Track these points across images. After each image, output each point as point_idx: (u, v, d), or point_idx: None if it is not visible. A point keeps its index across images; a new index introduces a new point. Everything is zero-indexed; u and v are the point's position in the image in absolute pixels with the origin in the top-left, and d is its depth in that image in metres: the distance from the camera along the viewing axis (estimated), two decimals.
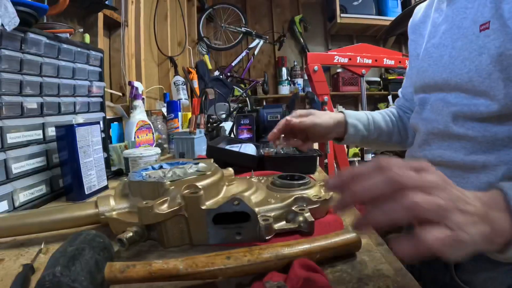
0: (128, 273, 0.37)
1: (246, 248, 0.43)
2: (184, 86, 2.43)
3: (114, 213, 0.55)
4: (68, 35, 0.89)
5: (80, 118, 0.83)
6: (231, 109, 1.79)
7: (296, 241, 0.46)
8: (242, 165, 0.94)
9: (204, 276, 0.39)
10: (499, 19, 0.43)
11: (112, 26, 1.70)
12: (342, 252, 0.47)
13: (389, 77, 3.76)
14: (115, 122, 1.41)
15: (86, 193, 0.80)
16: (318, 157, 0.99)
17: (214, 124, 1.49)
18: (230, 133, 1.51)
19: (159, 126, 1.59)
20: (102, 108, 1.05)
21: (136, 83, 1.45)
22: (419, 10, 0.69)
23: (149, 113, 1.67)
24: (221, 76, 3.31)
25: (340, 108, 3.86)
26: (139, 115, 1.34)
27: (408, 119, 0.80)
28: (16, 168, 0.71)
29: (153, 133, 1.41)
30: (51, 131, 0.82)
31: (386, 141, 0.80)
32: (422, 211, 0.27)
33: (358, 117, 0.75)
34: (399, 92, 0.85)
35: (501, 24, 0.43)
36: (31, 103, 0.77)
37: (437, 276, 0.58)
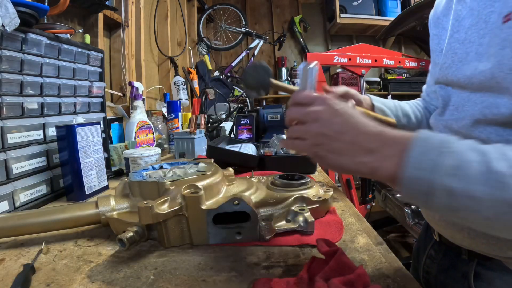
0: None
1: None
2: (184, 86, 2.43)
3: (114, 213, 0.55)
4: (68, 35, 0.89)
5: (80, 118, 0.83)
6: (231, 109, 1.79)
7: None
8: (242, 165, 0.94)
9: None
10: None
11: (113, 27, 1.70)
12: None
13: (389, 77, 3.76)
14: (115, 122, 1.41)
15: (87, 193, 0.80)
16: None
17: (214, 124, 1.49)
18: (230, 133, 1.51)
19: (159, 126, 1.59)
20: (103, 108, 1.05)
21: (137, 84, 1.45)
22: (440, 2, 0.63)
23: (149, 113, 1.67)
24: (221, 76, 3.31)
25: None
26: (139, 115, 1.34)
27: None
28: (17, 168, 0.71)
29: (153, 133, 1.41)
30: (52, 131, 0.82)
31: (415, 129, 0.74)
32: (290, 133, 0.44)
33: (384, 102, 0.71)
34: (423, 88, 0.80)
35: None
36: (32, 103, 0.77)
37: (454, 284, 0.56)
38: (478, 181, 0.32)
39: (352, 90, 0.68)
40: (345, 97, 0.68)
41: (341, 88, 0.67)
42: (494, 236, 0.47)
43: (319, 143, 0.40)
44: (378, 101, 0.72)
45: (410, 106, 0.75)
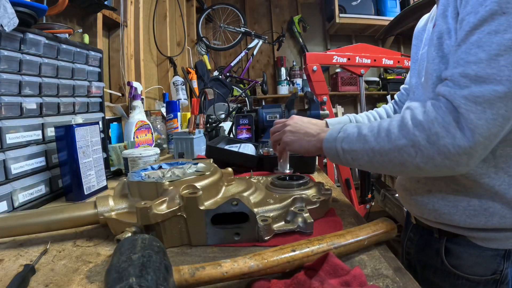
0: (199, 276, 0.36)
1: (305, 240, 0.44)
2: (183, 86, 2.43)
3: (113, 213, 0.55)
4: (67, 35, 0.89)
5: (79, 119, 0.83)
6: (230, 109, 1.79)
7: (344, 231, 0.48)
8: (241, 165, 0.94)
9: (274, 270, 0.40)
10: (443, 18, 0.54)
11: (111, 27, 1.70)
12: (383, 238, 0.50)
13: (388, 77, 3.76)
14: (114, 122, 1.41)
15: (86, 193, 0.80)
16: (317, 157, 0.99)
17: (213, 124, 1.49)
18: (229, 133, 1.51)
19: (158, 126, 1.59)
20: (101, 108, 1.05)
21: (135, 83, 1.45)
22: (423, 19, 0.77)
23: (148, 113, 1.67)
24: (220, 76, 3.30)
25: (339, 108, 3.86)
26: (138, 115, 1.34)
27: None
28: (16, 168, 0.71)
29: (152, 133, 1.41)
30: (51, 132, 0.82)
31: None
32: (272, 138, 0.75)
33: (339, 121, 0.85)
34: (402, 88, 0.91)
35: (443, 21, 0.54)
36: (30, 104, 0.77)
37: (429, 261, 0.64)
38: (355, 141, 0.55)
39: None
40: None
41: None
42: (453, 206, 0.56)
43: (288, 138, 0.70)
44: (332, 125, 0.84)
45: (368, 119, 0.88)
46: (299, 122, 0.69)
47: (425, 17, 0.77)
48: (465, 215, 0.55)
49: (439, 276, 0.62)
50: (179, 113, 1.52)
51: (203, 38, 3.37)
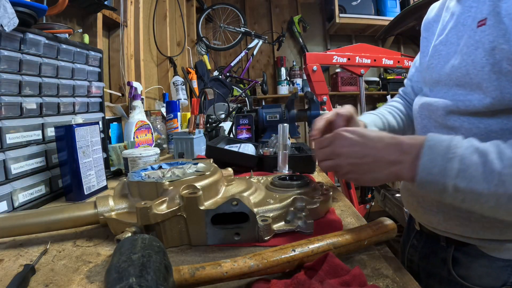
0: (199, 276, 0.36)
1: (305, 240, 0.44)
2: (183, 86, 2.43)
3: (113, 213, 0.55)
4: (67, 35, 0.89)
5: (79, 119, 0.83)
6: (230, 109, 1.79)
7: (344, 231, 0.48)
8: (241, 165, 0.94)
9: (274, 270, 0.40)
10: (495, 16, 0.46)
11: (111, 27, 1.70)
12: (383, 238, 0.50)
13: (388, 77, 3.76)
14: (114, 122, 1.41)
15: (86, 193, 0.80)
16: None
17: (213, 124, 1.49)
18: (229, 133, 1.51)
19: (158, 126, 1.59)
20: (101, 108, 1.05)
21: (135, 83, 1.45)
22: (433, 8, 0.70)
23: (148, 113, 1.67)
24: (220, 76, 3.30)
25: (339, 108, 3.85)
26: (138, 115, 1.34)
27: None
28: (15, 168, 0.71)
29: (152, 133, 1.41)
30: (51, 132, 0.82)
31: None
32: (320, 165, 0.53)
33: (376, 124, 0.74)
34: (407, 82, 0.83)
35: (497, 20, 0.46)
36: (31, 104, 0.77)
37: (434, 270, 0.60)
38: (480, 180, 0.39)
39: (344, 111, 0.66)
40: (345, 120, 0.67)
41: (331, 113, 0.66)
42: (466, 218, 0.53)
43: (349, 171, 0.48)
44: (371, 125, 0.72)
45: (394, 117, 0.78)
46: (360, 140, 0.47)
47: (436, 6, 0.69)
48: (478, 227, 0.52)
49: (445, 286, 0.59)
50: (179, 113, 1.52)
51: (203, 38, 3.37)
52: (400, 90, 0.87)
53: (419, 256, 0.66)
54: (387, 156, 0.45)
